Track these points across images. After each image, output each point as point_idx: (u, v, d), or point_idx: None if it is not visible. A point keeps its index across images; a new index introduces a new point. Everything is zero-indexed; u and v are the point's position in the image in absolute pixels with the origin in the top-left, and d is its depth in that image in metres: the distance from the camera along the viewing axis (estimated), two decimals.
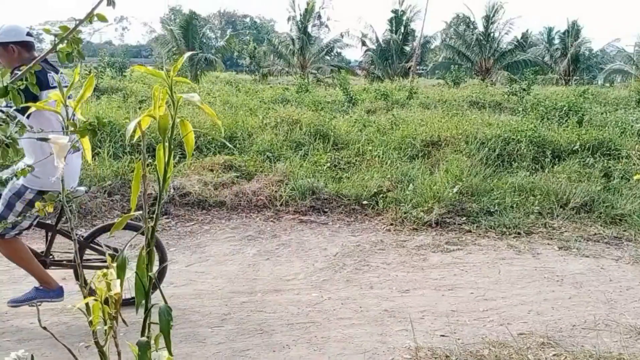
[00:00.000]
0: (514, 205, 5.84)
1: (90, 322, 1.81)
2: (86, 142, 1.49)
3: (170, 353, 1.67)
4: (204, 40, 30.56)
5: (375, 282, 4.13)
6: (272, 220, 5.56)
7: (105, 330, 1.77)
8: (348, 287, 4.06)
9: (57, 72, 3.26)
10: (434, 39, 35.53)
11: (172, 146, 1.71)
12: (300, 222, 5.53)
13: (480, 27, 30.90)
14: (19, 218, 3.24)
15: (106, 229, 3.80)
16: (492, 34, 30.38)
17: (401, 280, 4.18)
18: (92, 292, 1.61)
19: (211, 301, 3.75)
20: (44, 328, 1.81)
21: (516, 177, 6.59)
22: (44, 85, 3.00)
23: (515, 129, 8.31)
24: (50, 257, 3.69)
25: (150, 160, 6.81)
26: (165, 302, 1.68)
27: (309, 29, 31.58)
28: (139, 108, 9.97)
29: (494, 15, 30.04)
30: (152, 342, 1.66)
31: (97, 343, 1.74)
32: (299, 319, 3.53)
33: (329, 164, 7.03)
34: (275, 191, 6.05)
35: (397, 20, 32.78)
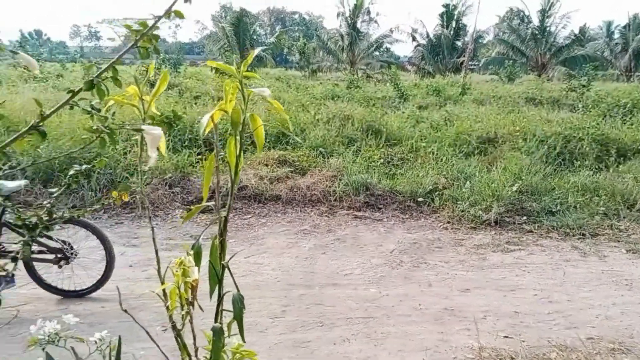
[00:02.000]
0: (577, 206, 5.63)
1: (167, 307, 1.87)
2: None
3: (243, 339, 1.70)
4: (254, 37, 30.94)
5: (433, 280, 4.08)
6: (326, 215, 5.58)
7: (182, 315, 1.82)
8: (406, 284, 4.02)
9: None
10: (486, 33, 34.62)
11: (242, 139, 1.74)
12: (355, 218, 5.52)
13: (536, 21, 29.88)
14: None
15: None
16: (548, 28, 29.30)
17: (460, 279, 4.11)
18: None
19: (270, 292, 3.80)
20: (125, 311, 1.88)
21: (579, 177, 6.35)
22: None
23: (576, 126, 8.00)
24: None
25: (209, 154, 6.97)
26: (238, 290, 1.72)
27: (358, 25, 31.40)
28: (195, 103, 10.22)
29: (550, 9, 28.96)
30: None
31: (174, 327, 1.80)
32: (358, 314, 3.53)
33: (382, 160, 6.98)
34: (329, 186, 6.06)
35: (449, 15, 32.14)
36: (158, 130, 1.32)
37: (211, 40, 29.83)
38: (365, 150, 7.36)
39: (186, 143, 7.05)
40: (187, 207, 5.69)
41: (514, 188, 5.70)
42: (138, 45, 1.42)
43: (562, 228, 5.18)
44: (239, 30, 28.18)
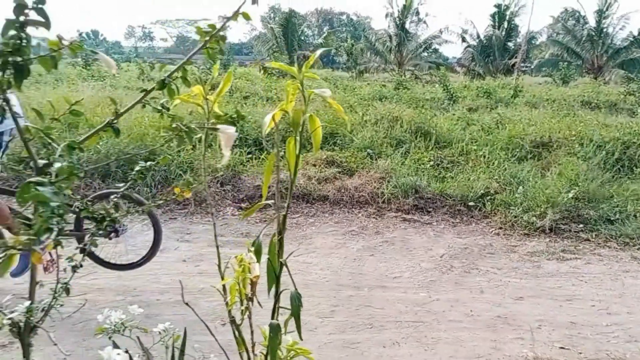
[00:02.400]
0: (638, 215, 5.38)
1: (227, 302, 1.90)
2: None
3: (300, 336, 1.72)
4: (302, 38, 31.17)
5: (485, 287, 3.99)
6: (374, 217, 5.56)
7: (242, 310, 1.86)
8: (457, 289, 3.96)
9: None
10: (539, 34, 33.61)
11: (302, 140, 1.75)
12: (404, 221, 5.47)
13: (592, 22, 28.73)
14: None
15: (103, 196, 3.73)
16: (605, 29, 28.13)
17: (514, 286, 4.01)
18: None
19: (319, 292, 3.82)
20: (187, 304, 1.93)
21: (639, 184, 6.07)
22: None
23: (635, 131, 7.64)
24: None
25: (260, 154, 7.07)
26: (296, 288, 1.73)
27: (407, 26, 31.13)
28: (245, 103, 10.39)
29: (607, 9, 27.80)
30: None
31: (233, 321, 1.84)
32: (408, 317, 3.50)
33: (431, 163, 6.89)
34: (377, 188, 6.04)
35: (500, 15, 31.40)
36: (233, 130, 1.35)
37: (260, 41, 30.26)
38: (414, 152, 7.28)
39: (236, 142, 7.18)
40: (238, 205, 5.79)
41: (570, 194, 5.51)
42: (207, 46, 1.46)
43: (621, 237, 4.97)
44: (287, 31, 28.47)
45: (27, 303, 1.41)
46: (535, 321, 3.46)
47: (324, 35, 31.13)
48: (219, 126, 1.36)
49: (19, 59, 1.14)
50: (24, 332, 1.52)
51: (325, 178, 6.39)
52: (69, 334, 3.09)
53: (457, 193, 5.91)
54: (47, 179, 1.13)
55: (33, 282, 1.60)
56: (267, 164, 1.72)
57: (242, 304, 1.82)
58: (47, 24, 1.08)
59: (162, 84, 1.40)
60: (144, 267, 4.06)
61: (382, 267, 4.34)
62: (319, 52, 1.92)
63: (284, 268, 1.82)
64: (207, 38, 1.40)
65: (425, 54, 32.44)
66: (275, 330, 1.76)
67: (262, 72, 19.08)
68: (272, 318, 1.80)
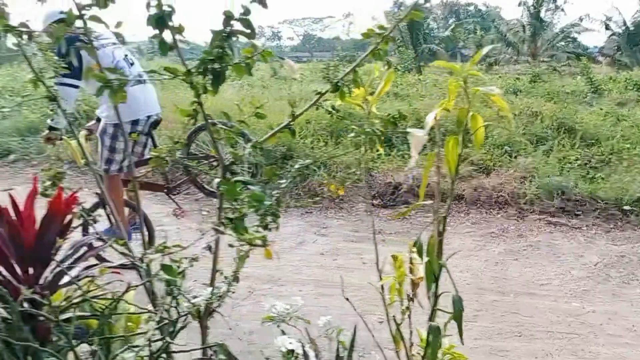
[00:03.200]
0: None
1: (384, 300, 1.91)
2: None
3: (461, 341, 1.67)
4: (427, 31, 30.47)
5: None
6: (515, 219, 5.27)
7: (402, 309, 1.86)
8: (615, 301, 3.62)
9: None
10: None
11: (464, 139, 1.69)
12: (548, 224, 5.11)
13: None
14: (117, 155, 3.75)
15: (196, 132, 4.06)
16: None
17: None
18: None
19: (461, 295, 3.70)
20: (347, 299, 1.97)
21: None
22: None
23: None
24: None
25: (383, 151, 7.04)
26: (457, 291, 1.69)
27: (542, 14, 29.04)
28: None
29: None
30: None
31: (394, 320, 1.84)
32: (560, 328, 3.27)
33: (578, 162, 6.36)
34: (518, 188, 5.71)
35: None
36: (423, 133, 1.35)
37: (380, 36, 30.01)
38: (558, 150, 6.77)
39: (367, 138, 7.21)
40: (370, 201, 5.83)
41: None
42: (378, 47, 1.47)
43: None
44: (412, 25, 27.95)
45: (209, 289, 1.53)
46: None
47: (451, 27, 30.11)
48: (409, 129, 1.37)
49: (217, 66, 1.23)
50: (203, 315, 1.66)
51: (460, 176, 6.19)
52: (218, 319, 3.33)
53: (609, 196, 5.39)
54: (256, 179, 1.22)
55: (214, 270, 1.74)
56: (427, 164, 1.69)
57: (402, 304, 1.83)
58: (251, 34, 1.15)
59: (336, 87, 1.44)
60: (285, 258, 4.27)
61: (527, 272, 4.10)
62: (485, 49, 1.85)
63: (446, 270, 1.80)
64: (379, 40, 1.41)
65: (563, 43, 30.02)
66: (435, 332, 1.74)
67: (385, 67, 18.98)
68: (430, 320, 1.78)
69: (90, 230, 2.69)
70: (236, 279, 1.84)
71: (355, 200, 5.84)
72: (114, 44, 3.66)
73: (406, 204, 5.67)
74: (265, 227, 1.10)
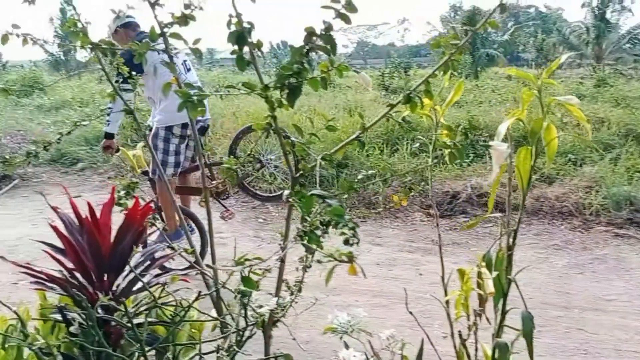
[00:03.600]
0: None
1: (448, 315, 1.89)
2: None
3: (531, 358, 1.62)
4: (485, 35, 29.78)
5: None
6: (580, 231, 5.06)
7: (469, 325, 1.83)
8: None
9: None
10: None
11: (538, 149, 1.65)
12: (616, 236, 4.88)
13: None
14: (170, 157, 3.86)
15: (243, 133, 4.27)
16: None
17: None
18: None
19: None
20: (410, 313, 1.96)
21: None
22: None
23: None
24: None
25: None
26: (526, 307, 1.65)
27: (608, 15, 27.80)
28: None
29: None
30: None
31: (459, 335, 1.81)
32: (629, 347, 3.12)
33: None
34: (583, 198, 5.48)
35: None
36: (505, 147, 1.34)
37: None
38: (626, 159, 6.45)
39: (422, 147, 7.14)
40: (427, 210, 5.76)
41: None
42: (452, 59, 1.46)
43: None
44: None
45: (275, 299, 1.57)
46: None
47: (510, 31, 29.31)
48: (491, 143, 1.37)
49: (294, 80, 1.26)
50: (267, 325, 1.70)
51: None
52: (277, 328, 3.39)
53: None
54: (331, 193, 1.24)
55: (280, 280, 1.78)
56: (496, 177, 1.67)
57: (468, 319, 1.80)
58: (332, 50, 1.18)
59: (408, 98, 1.44)
60: (340, 267, 4.27)
61: (592, 287, 3.93)
62: (564, 57, 1.80)
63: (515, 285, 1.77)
64: (453, 51, 1.41)
65: (629, 45, 28.60)
66: (503, 349, 1.71)
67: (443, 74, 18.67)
68: (497, 336, 1.76)
69: (153, 237, 2.80)
70: (299, 289, 1.87)
71: (411, 209, 5.79)
72: (175, 48, 3.82)
73: (464, 214, 5.57)
74: (346, 242, 1.13)
